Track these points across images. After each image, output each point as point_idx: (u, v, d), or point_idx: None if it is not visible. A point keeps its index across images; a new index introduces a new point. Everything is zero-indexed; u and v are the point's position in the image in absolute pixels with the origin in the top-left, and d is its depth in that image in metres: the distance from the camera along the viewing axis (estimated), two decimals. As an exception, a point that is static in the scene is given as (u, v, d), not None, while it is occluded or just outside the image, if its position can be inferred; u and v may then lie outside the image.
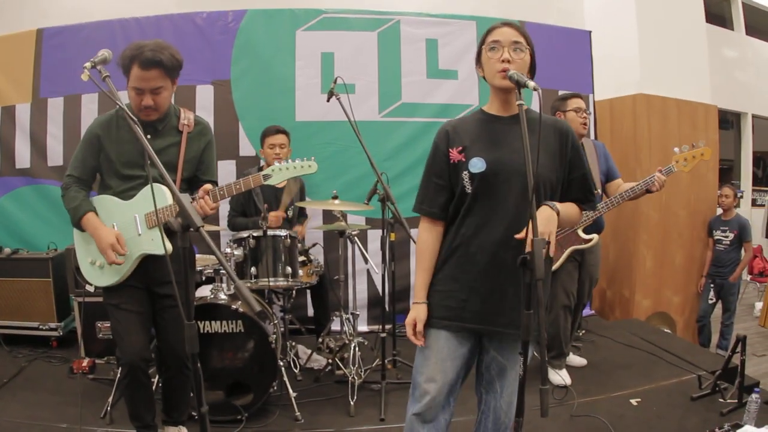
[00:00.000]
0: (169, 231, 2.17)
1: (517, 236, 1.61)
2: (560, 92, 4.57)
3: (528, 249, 1.46)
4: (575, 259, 3.35)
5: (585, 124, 3.31)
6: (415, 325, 1.82)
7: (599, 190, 3.34)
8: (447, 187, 1.85)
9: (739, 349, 3.01)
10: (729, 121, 7.90)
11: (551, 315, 3.35)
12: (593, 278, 3.51)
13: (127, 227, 2.26)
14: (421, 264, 1.88)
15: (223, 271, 3.16)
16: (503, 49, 1.74)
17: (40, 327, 3.96)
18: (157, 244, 2.19)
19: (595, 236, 3.27)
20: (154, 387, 2.58)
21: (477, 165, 1.76)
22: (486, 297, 1.76)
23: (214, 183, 2.39)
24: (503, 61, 1.72)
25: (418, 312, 1.82)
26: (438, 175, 1.86)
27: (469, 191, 1.78)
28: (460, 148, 1.81)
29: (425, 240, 1.87)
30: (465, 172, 1.78)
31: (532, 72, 1.81)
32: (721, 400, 3.02)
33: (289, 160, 2.25)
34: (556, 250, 3.21)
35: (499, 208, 1.74)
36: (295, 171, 2.23)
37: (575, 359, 3.66)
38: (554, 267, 3.27)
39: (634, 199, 3.32)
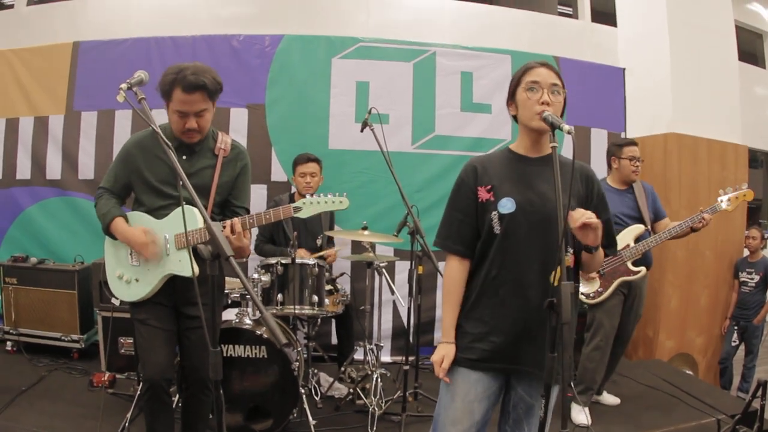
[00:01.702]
0: (199, 256, 2.17)
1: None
2: (592, 130, 4.59)
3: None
4: (621, 293, 3.41)
5: (636, 171, 3.46)
6: (441, 363, 1.80)
7: (649, 227, 3.45)
8: (471, 224, 1.83)
9: (759, 393, 2.97)
10: (759, 160, 7.81)
11: (589, 347, 3.41)
12: (637, 313, 3.55)
13: (158, 246, 2.27)
14: (449, 302, 1.86)
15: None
16: (543, 90, 1.74)
17: (63, 338, 3.99)
18: (184, 266, 2.21)
19: (643, 269, 3.36)
20: (174, 405, 2.57)
21: (507, 206, 1.75)
22: (516, 338, 1.75)
23: (246, 210, 2.40)
24: (543, 103, 1.72)
25: (447, 351, 1.81)
26: (463, 211, 1.84)
27: (498, 232, 1.76)
28: (489, 186, 1.80)
29: (453, 278, 1.85)
30: (494, 212, 1.77)
31: (561, 114, 1.80)
32: (740, 443, 2.98)
33: (322, 195, 2.24)
34: (604, 282, 3.34)
35: (528, 251, 1.74)
36: (326, 206, 2.23)
37: (609, 398, 3.65)
38: (602, 298, 3.38)
39: (680, 237, 3.44)
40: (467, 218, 1.83)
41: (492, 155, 1.93)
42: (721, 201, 3.37)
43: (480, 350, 1.78)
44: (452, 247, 1.85)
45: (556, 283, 1.49)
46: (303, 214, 2.20)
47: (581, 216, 1.61)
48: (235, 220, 2.14)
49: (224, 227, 2.13)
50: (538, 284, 1.71)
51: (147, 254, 2.24)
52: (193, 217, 2.18)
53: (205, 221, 1.59)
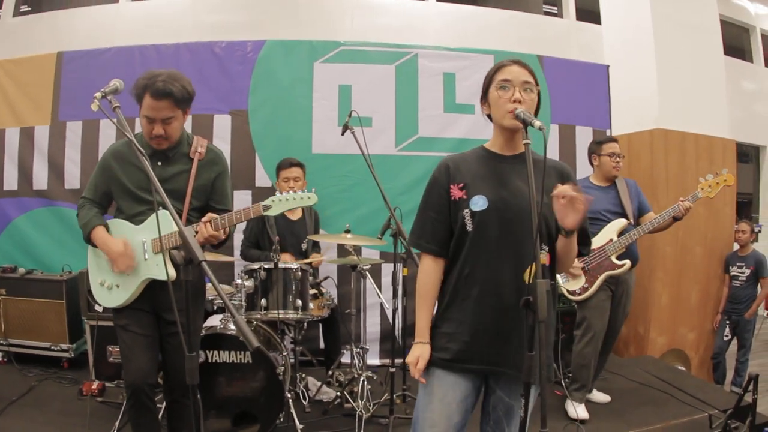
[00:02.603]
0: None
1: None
2: (577, 128, 4.57)
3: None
4: (609, 288, 3.41)
5: (617, 167, 3.48)
6: (416, 363, 1.79)
7: (632, 221, 3.45)
8: (445, 222, 1.82)
9: (751, 387, 2.98)
10: (747, 154, 7.81)
11: (580, 345, 3.41)
12: (625, 310, 3.56)
13: (135, 251, 2.29)
14: (423, 302, 1.85)
15: (235, 301, 3.18)
16: (514, 88, 1.74)
17: (52, 348, 3.99)
18: (161, 270, 2.21)
19: (627, 262, 3.35)
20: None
21: (478, 203, 1.75)
22: (492, 338, 1.74)
23: (228, 212, 2.40)
24: (514, 101, 1.72)
25: (422, 351, 1.80)
26: (436, 209, 1.83)
27: (470, 229, 1.76)
28: (462, 184, 1.79)
29: (427, 278, 1.84)
30: (466, 210, 1.76)
31: (536, 111, 1.81)
32: (732, 438, 2.98)
33: (291, 192, 2.24)
34: (589, 277, 3.34)
35: (500, 248, 1.73)
36: (295, 202, 2.23)
37: (598, 395, 3.65)
38: (588, 294, 3.38)
39: (662, 230, 3.46)
40: (440, 216, 1.82)
41: (466, 154, 1.91)
42: (701, 189, 3.37)
43: (454, 350, 1.76)
44: (425, 246, 1.84)
45: (529, 281, 1.50)
46: (272, 212, 2.20)
47: (565, 190, 1.61)
48: (204, 220, 2.16)
49: (196, 232, 2.15)
50: (512, 282, 1.70)
51: (119, 266, 2.26)
52: (168, 222, 2.17)
53: (177, 226, 1.59)
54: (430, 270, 1.84)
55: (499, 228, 1.74)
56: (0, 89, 4.49)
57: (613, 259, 3.36)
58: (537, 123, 1.59)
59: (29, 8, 6.07)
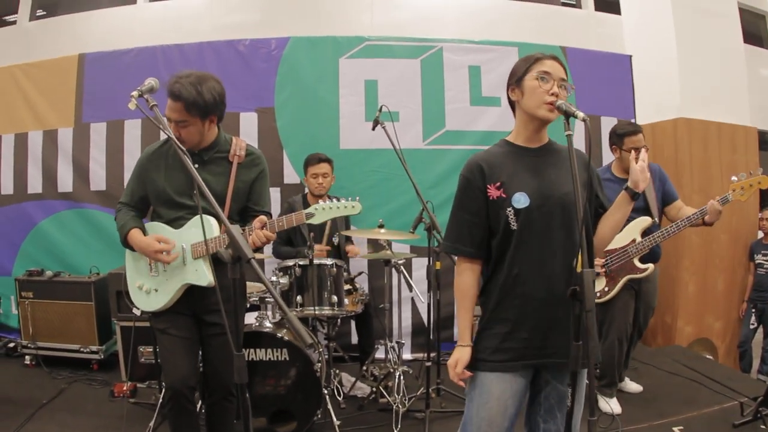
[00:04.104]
0: (218, 261, 2.16)
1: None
2: (602, 119, 4.57)
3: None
4: (632, 288, 3.33)
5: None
6: (455, 366, 1.80)
7: (656, 219, 3.29)
8: (482, 224, 1.80)
9: None
10: (767, 141, 7.78)
11: (605, 343, 3.33)
12: (650, 306, 3.51)
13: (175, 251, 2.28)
14: (463, 305, 1.83)
15: (269, 299, 3.18)
16: (553, 82, 1.74)
17: (81, 350, 4.00)
18: (201, 275, 2.21)
19: (650, 266, 3.24)
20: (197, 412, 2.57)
21: (521, 200, 1.73)
22: (545, 332, 1.75)
23: (268, 214, 2.37)
24: (553, 94, 1.73)
25: (462, 354, 1.80)
26: (472, 211, 1.80)
27: (515, 228, 1.74)
28: (499, 183, 1.77)
29: (467, 280, 1.83)
30: (509, 209, 1.74)
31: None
32: (763, 426, 2.96)
33: (335, 200, 2.21)
34: (609, 280, 3.28)
35: (548, 242, 1.73)
36: (338, 212, 2.20)
37: (631, 385, 3.64)
38: (610, 296, 3.28)
39: (691, 226, 3.21)
40: (477, 218, 1.80)
41: (492, 151, 1.88)
42: (733, 190, 3.04)
43: (512, 350, 1.76)
44: (464, 249, 1.82)
45: (579, 269, 1.48)
46: (316, 220, 2.18)
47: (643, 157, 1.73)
48: (257, 226, 2.13)
49: (243, 230, 2.13)
50: (561, 274, 1.71)
51: (163, 259, 2.23)
52: (209, 227, 2.17)
53: (224, 224, 1.58)
54: (468, 273, 1.83)
55: (543, 223, 1.74)
56: (21, 93, 4.51)
57: (636, 261, 3.22)
58: (580, 114, 1.57)
59: (45, 12, 6.07)
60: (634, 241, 3.22)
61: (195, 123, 2.21)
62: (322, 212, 2.18)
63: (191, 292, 2.28)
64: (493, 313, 1.80)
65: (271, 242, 3.77)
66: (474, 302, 1.83)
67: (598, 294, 3.29)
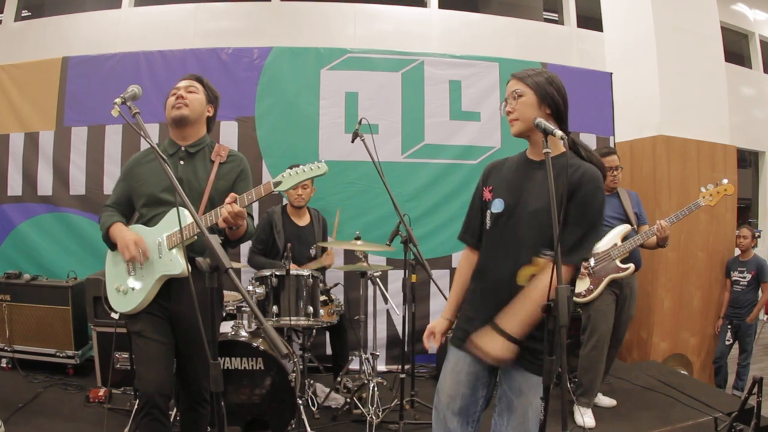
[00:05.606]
0: (196, 267, 2.16)
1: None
2: (581, 135, 4.59)
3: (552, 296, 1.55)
4: (613, 292, 3.48)
5: (615, 180, 3.60)
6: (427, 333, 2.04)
7: (635, 227, 3.58)
8: (480, 219, 2.02)
9: (755, 390, 3.02)
10: (747, 159, 7.87)
11: (586, 349, 3.44)
12: (629, 314, 3.60)
13: (151, 252, 2.29)
14: (454, 285, 2.10)
15: (246, 308, 3.19)
16: (507, 102, 1.93)
17: (57, 354, 3.98)
18: (175, 264, 2.21)
19: (631, 265, 3.45)
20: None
21: (497, 206, 1.92)
22: (481, 326, 1.83)
23: (249, 216, 2.38)
24: (507, 113, 1.91)
25: (436, 324, 2.04)
26: (475, 207, 2.06)
27: (488, 228, 1.96)
28: (491, 187, 1.99)
29: (463, 265, 2.10)
30: (488, 211, 1.96)
31: (545, 101, 1.87)
32: (737, 441, 3.00)
33: (300, 165, 2.16)
34: (594, 279, 3.41)
35: (509, 247, 1.87)
36: (305, 174, 2.15)
37: (605, 400, 3.67)
38: (593, 296, 3.44)
39: (651, 248, 3.57)
40: (477, 214, 2.04)
41: (509, 158, 2.07)
42: (703, 197, 3.51)
43: (463, 330, 1.94)
44: (467, 239, 2.09)
45: (521, 282, 1.64)
46: (283, 187, 2.14)
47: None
48: (229, 200, 2.11)
49: (222, 239, 2.16)
50: (507, 282, 1.81)
51: (128, 255, 2.23)
52: (184, 217, 2.17)
53: (201, 230, 1.59)
54: (466, 258, 2.10)
55: (508, 230, 1.88)
56: (4, 94, 4.48)
57: (618, 263, 3.44)
58: (558, 132, 1.68)
59: (30, 13, 6.05)
60: (615, 245, 3.47)
61: (200, 93, 2.41)
62: (289, 178, 2.15)
63: (168, 295, 2.29)
64: (465, 297, 2.03)
65: (248, 251, 3.83)
66: (464, 284, 2.04)
67: (582, 293, 3.46)
